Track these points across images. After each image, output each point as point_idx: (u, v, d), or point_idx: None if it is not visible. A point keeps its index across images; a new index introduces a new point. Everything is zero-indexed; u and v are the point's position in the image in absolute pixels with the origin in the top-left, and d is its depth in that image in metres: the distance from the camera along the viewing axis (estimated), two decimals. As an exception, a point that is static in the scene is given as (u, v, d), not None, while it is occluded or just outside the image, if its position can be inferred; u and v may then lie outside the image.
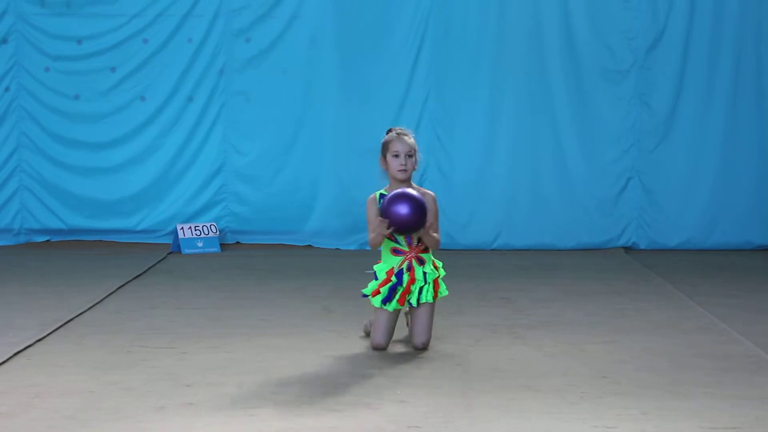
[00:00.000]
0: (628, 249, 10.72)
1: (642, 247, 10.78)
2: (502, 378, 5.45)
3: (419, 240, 6.00)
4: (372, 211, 6.01)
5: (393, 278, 5.98)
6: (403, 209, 5.84)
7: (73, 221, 10.75)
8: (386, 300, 5.98)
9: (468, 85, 10.71)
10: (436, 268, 6.13)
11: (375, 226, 5.94)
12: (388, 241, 6.01)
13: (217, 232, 10.55)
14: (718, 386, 5.28)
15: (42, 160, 10.72)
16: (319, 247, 10.74)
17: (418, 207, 5.85)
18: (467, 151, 10.74)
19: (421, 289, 6.00)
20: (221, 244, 10.57)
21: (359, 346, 6.20)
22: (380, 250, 6.12)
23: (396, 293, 5.97)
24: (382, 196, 6.05)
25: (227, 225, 10.81)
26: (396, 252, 6.02)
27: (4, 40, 10.62)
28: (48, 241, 10.78)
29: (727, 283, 8.70)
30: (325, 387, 5.27)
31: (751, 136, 10.75)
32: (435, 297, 6.06)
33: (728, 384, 5.33)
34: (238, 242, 10.85)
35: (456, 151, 10.70)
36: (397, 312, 6.07)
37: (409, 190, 5.92)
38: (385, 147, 6.06)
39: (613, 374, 5.53)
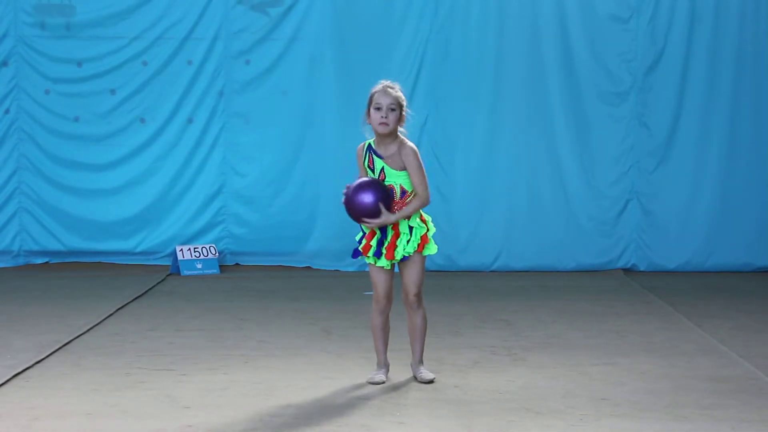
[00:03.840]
0: (627, 270, 10.71)
1: (641, 268, 10.76)
2: (501, 400, 5.43)
3: (403, 195, 5.69)
4: (360, 161, 5.76)
5: (377, 231, 5.70)
6: (366, 198, 5.58)
7: (72, 243, 10.74)
8: (377, 254, 5.69)
9: (467, 107, 10.73)
10: (424, 222, 5.80)
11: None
12: None
13: (217, 254, 10.55)
14: (718, 408, 5.27)
15: (41, 182, 10.72)
16: (318, 269, 10.73)
17: (380, 194, 5.58)
18: (466, 173, 10.74)
19: (408, 242, 5.69)
20: (220, 266, 10.57)
21: (358, 367, 6.19)
22: None
23: (382, 246, 5.68)
24: (370, 147, 5.75)
25: (226, 246, 10.81)
26: None
27: (5, 63, 10.64)
28: (47, 262, 10.76)
29: (727, 305, 8.69)
30: (324, 409, 5.25)
31: (751, 156, 10.75)
32: (421, 250, 5.73)
33: (728, 406, 5.31)
34: (237, 264, 10.84)
35: (455, 173, 10.70)
36: (392, 270, 5.76)
37: (366, 180, 5.63)
38: (370, 99, 5.71)
39: (613, 396, 5.51)
